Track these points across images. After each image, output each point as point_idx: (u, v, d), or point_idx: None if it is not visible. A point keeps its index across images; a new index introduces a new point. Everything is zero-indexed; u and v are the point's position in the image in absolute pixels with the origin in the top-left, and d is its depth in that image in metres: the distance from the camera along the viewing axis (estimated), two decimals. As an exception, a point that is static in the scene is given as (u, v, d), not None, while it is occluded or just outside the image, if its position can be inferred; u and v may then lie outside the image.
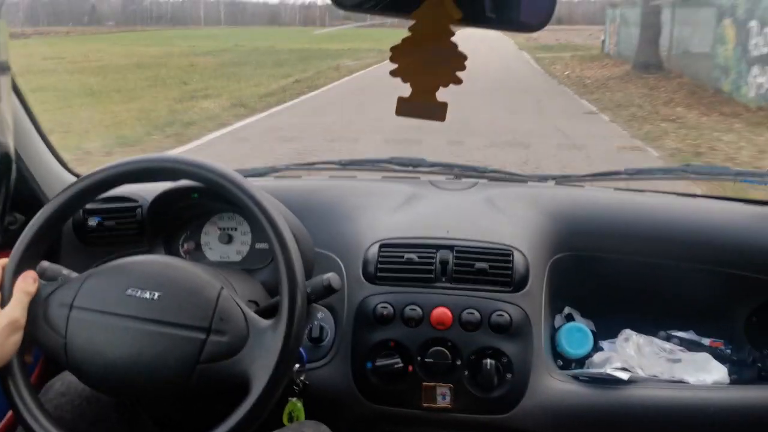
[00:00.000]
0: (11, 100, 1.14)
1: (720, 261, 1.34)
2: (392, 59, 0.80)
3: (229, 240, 1.36)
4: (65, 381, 1.18)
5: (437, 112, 0.83)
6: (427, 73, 0.80)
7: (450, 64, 0.81)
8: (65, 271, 1.05)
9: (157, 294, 0.94)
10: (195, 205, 1.34)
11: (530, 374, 1.22)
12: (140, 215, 1.40)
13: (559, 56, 19.39)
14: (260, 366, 0.92)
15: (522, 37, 21.70)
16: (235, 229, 1.37)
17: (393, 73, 0.80)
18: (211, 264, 1.32)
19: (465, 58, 0.81)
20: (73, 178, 1.46)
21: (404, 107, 0.81)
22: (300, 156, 6.09)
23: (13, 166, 1.21)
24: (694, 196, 1.53)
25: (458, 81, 0.82)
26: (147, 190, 1.39)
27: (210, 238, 1.37)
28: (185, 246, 1.37)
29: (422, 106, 0.81)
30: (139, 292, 0.94)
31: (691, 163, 1.54)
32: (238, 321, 0.94)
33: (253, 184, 1.00)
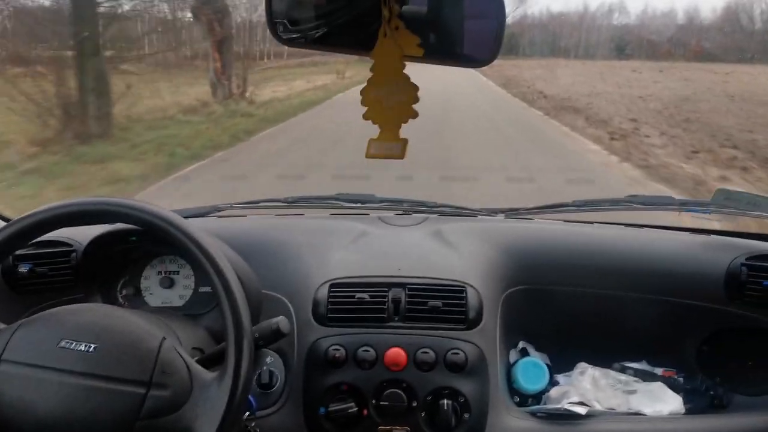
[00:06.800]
0: None
1: (668, 290, 1.36)
2: (363, 102, 0.82)
3: (171, 284, 1.30)
4: None
5: (399, 149, 0.85)
6: (390, 110, 0.82)
7: (407, 98, 0.83)
8: None
9: (93, 346, 0.88)
10: (133, 248, 1.28)
11: (488, 413, 1.19)
12: (75, 260, 1.32)
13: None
14: (205, 421, 0.87)
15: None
16: (177, 273, 1.31)
17: (365, 116, 0.82)
18: (152, 310, 1.26)
19: (417, 89, 0.83)
20: (2, 223, 1.38)
21: (374, 148, 0.83)
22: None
23: None
24: (641, 226, 1.55)
25: (415, 114, 0.83)
26: (82, 234, 1.32)
27: (150, 282, 1.31)
28: (124, 292, 1.30)
29: (387, 145, 0.82)
30: (73, 344, 0.89)
31: (637, 195, 1.57)
32: (181, 373, 0.89)
33: (194, 225, 0.96)
